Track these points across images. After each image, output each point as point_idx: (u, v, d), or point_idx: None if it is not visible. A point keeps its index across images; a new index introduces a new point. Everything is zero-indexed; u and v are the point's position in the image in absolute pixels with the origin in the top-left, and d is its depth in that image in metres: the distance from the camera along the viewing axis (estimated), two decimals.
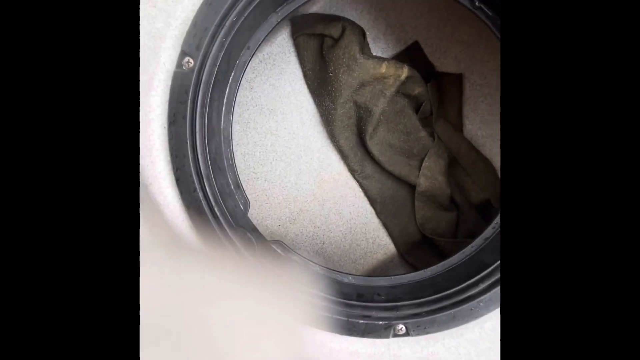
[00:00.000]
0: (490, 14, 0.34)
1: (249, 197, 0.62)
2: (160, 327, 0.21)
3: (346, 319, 0.33)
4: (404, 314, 0.33)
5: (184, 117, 0.32)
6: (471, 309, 0.33)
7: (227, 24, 0.31)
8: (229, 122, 0.36)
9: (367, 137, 0.56)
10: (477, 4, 0.34)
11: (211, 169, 0.34)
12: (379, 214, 0.60)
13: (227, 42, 0.32)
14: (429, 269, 0.37)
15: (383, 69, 0.52)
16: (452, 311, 0.33)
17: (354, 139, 0.58)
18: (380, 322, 0.33)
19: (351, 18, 0.56)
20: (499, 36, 0.35)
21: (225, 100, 0.36)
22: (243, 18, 0.32)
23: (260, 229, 0.63)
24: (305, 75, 0.58)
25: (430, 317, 0.33)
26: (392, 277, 0.37)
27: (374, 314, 0.34)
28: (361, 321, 0.33)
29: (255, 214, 0.61)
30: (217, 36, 0.31)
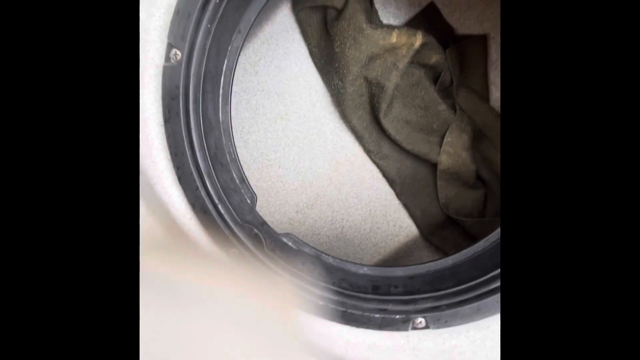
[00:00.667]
0: None
1: (264, 185, 0.62)
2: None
3: (361, 313, 0.32)
4: (423, 307, 0.31)
5: (178, 114, 0.31)
6: (497, 301, 0.30)
7: (210, 7, 0.29)
8: (227, 114, 0.34)
9: (382, 115, 0.52)
10: None
11: (212, 165, 0.33)
12: (399, 195, 0.57)
13: (214, 27, 0.29)
14: (449, 257, 0.34)
15: (393, 38, 0.47)
16: (476, 304, 0.30)
17: (367, 117, 0.54)
18: (398, 316, 0.31)
19: None
20: None
21: (221, 91, 0.34)
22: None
23: (277, 216, 0.63)
24: (311, 53, 0.55)
25: (453, 310, 0.31)
26: (410, 267, 0.35)
27: (390, 307, 0.32)
28: (377, 315, 0.32)
29: (272, 201, 0.61)
30: (202, 22, 0.29)
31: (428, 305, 0.31)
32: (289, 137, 0.59)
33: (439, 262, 0.35)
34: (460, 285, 0.32)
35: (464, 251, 0.34)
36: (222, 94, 0.34)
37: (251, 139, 0.60)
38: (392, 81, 0.50)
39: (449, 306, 0.31)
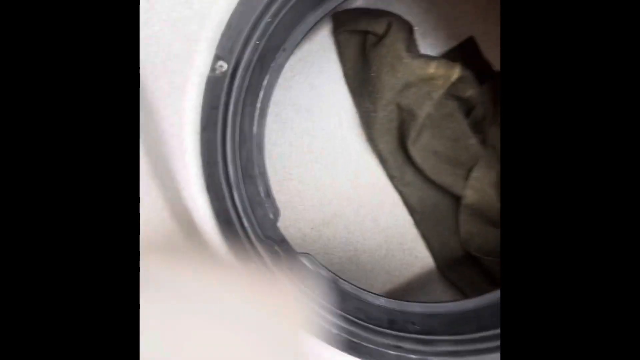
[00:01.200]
0: None
1: (282, 198, 0.62)
2: None
3: (375, 347, 0.31)
4: (441, 349, 0.30)
5: (215, 124, 0.31)
6: None
7: (262, 25, 0.29)
8: (262, 128, 0.35)
9: (410, 142, 0.51)
10: None
11: (241, 177, 0.33)
12: (418, 224, 0.55)
13: (262, 44, 0.30)
14: (471, 299, 0.33)
15: (432, 69, 0.47)
16: (497, 354, 0.29)
17: (394, 143, 0.54)
18: (413, 356, 0.30)
19: (398, 12, 0.51)
20: None
21: (259, 105, 0.34)
22: (278, 19, 0.30)
23: (292, 230, 0.62)
24: (346, 75, 0.55)
25: (472, 357, 0.29)
26: (429, 304, 0.34)
27: (406, 345, 0.31)
28: (392, 352, 0.30)
29: (288, 216, 0.60)
30: (251, 38, 0.29)
31: (446, 348, 0.30)
32: (314, 153, 0.59)
33: (460, 303, 0.33)
34: (482, 331, 0.30)
35: (487, 295, 0.33)
36: (260, 108, 0.34)
37: (275, 152, 0.60)
38: (424, 110, 0.49)
39: (470, 353, 0.29)
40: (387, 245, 0.58)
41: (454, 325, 0.32)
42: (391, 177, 0.56)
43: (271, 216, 0.36)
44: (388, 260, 0.58)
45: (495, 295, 0.33)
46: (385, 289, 0.57)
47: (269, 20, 0.29)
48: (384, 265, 0.58)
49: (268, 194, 0.36)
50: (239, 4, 0.29)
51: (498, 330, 0.30)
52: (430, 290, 0.57)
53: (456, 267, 0.53)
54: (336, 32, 0.54)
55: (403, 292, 0.56)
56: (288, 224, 0.60)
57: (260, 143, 0.34)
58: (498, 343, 0.29)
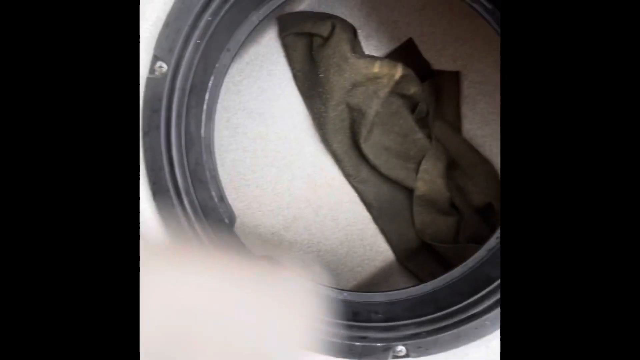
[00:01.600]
0: (489, 7, 0.31)
1: (240, 205, 0.60)
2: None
3: (341, 341, 0.31)
4: (404, 334, 0.31)
5: (158, 127, 0.29)
6: (476, 328, 0.30)
7: (202, 24, 0.29)
8: (210, 131, 0.33)
9: (362, 140, 0.53)
10: None
11: (191, 182, 0.31)
12: (376, 219, 0.57)
13: (203, 44, 0.29)
14: (429, 282, 0.35)
15: (376, 68, 0.49)
16: (455, 330, 0.30)
17: (347, 142, 0.55)
18: (379, 344, 0.30)
19: (341, 15, 0.53)
20: (499, 31, 0.32)
21: (205, 107, 0.33)
22: (219, 18, 0.29)
23: (252, 237, 0.60)
24: (295, 77, 0.56)
25: (433, 337, 0.30)
26: (390, 293, 0.34)
27: (371, 334, 0.31)
28: (358, 343, 0.31)
29: (247, 222, 0.59)
30: (191, 38, 0.28)
31: (409, 332, 0.31)
32: (268, 157, 0.58)
33: (418, 287, 0.35)
34: (439, 311, 0.32)
35: (443, 276, 0.35)
36: (206, 110, 0.33)
37: (229, 158, 0.58)
38: (372, 108, 0.51)
39: (429, 333, 0.30)
40: (348, 243, 0.59)
41: (414, 309, 0.33)
42: (347, 176, 0.57)
43: (226, 221, 0.35)
44: (350, 258, 0.59)
45: (450, 276, 0.35)
46: (350, 286, 0.58)
47: (210, 18, 0.29)
48: (346, 263, 0.59)
49: (222, 198, 0.35)
50: (176, 2, 0.28)
51: (455, 307, 0.31)
52: (393, 282, 0.58)
53: (414, 256, 0.56)
54: (282, 35, 0.54)
55: (367, 287, 0.57)
56: (248, 231, 0.59)
57: (209, 145, 0.33)
58: (455, 319, 0.31)
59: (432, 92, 0.54)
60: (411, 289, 0.35)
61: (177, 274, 0.22)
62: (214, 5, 0.28)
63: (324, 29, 0.50)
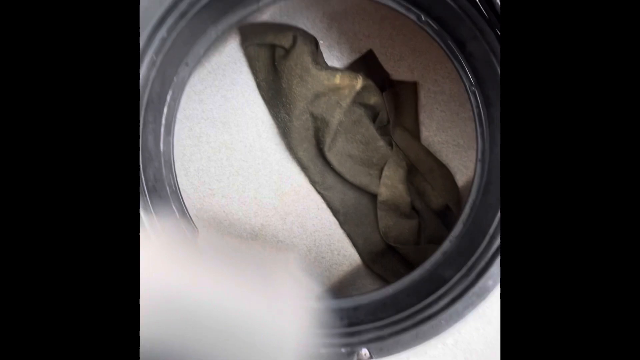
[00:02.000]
0: (436, 27, 0.33)
1: (206, 215, 0.59)
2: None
3: (308, 349, 0.32)
4: (367, 337, 0.32)
5: None
6: (433, 327, 0.32)
7: (157, 40, 0.28)
8: (169, 144, 0.33)
9: (326, 148, 0.54)
10: (423, 18, 0.34)
11: (149, 199, 0.31)
12: (342, 224, 0.59)
13: (159, 60, 0.29)
14: (391, 285, 0.36)
15: (337, 79, 0.51)
16: (414, 331, 0.32)
17: (312, 150, 0.57)
18: (343, 350, 0.32)
19: (303, 27, 0.54)
20: (445, 48, 0.35)
21: (163, 121, 0.32)
22: (176, 33, 0.29)
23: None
24: (259, 86, 0.56)
25: (394, 338, 0.32)
26: (354, 298, 0.36)
27: (336, 340, 0.32)
28: (323, 350, 0.32)
29: (214, 232, 0.58)
30: (146, 54, 0.28)
31: (371, 335, 0.32)
32: (234, 166, 0.58)
33: (380, 291, 0.36)
34: (400, 312, 0.33)
35: (403, 279, 0.37)
36: (165, 124, 0.33)
37: (193, 168, 0.57)
38: (335, 117, 0.53)
39: (391, 335, 0.32)
40: (316, 249, 0.60)
41: (376, 312, 0.34)
42: (313, 183, 0.58)
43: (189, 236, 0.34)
44: (318, 263, 0.60)
45: (410, 278, 0.37)
46: (319, 291, 0.59)
47: (165, 35, 0.28)
48: (315, 268, 0.60)
49: (184, 212, 0.34)
50: None
51: (413, 309, 0.33)
52: (361, 285, 0.60)
53: (379, 259, 0.58)
54: (244, 45, 0.54)
55: (336, 291, 0.59)
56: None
57: (169, 161, 0.33)
58: (415, 320, 0.33)
59: (392, 102, 0.57)
60: (374, 292, 0.36)
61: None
62: (169, 22, 0.28)
63: (285, 41, 0.50)
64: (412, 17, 0.34)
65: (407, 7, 0.35)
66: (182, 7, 0.28)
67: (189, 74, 0.33)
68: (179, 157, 0.57)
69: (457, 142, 0.59)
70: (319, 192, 0.58)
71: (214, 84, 0.56)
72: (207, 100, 0.57)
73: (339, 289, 0.60)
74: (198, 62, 0.33)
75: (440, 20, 0.33)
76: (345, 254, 0.60)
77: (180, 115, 0.57)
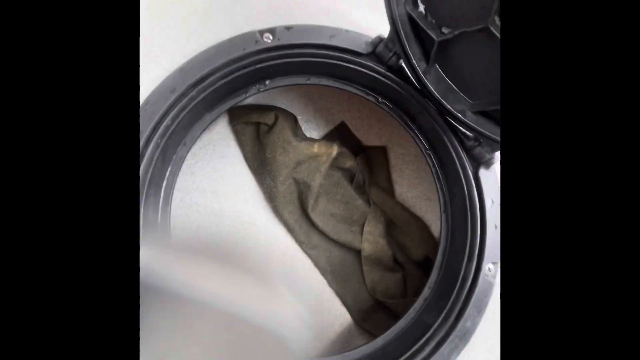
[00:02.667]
0: (391, 106, 0.41)
1: None
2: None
3: None
4: None
5: None
6: None
7: (162, 127, 0.34)
8: (166, 214, 0.36)
9: (310, 209, 0.59)
10: (380, 100, 0.41)
11: None
12: (330, 283, 0.60)
13: (163, 142, 0.34)
14: (379, 337, 0.38)
15: (315, 148, 0.58)
16: None
17: (297, 212, 0.61)
18: None
19: (283, 106, 0.63)
20: (401, 122, 0.42)
21: (162, 194, 0.36)
22: (178, 121, 0.34)
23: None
24: (246, 157, 0.62)
25: None
26: (345, 354, 0.37)
27: None
28: None
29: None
30: (152, 139, 0.33)
31: None
32: (223, 232, 0.60)
33: (370, 344, 0.38)
34: None
35: (390, 330, 0.38)
36: (163, 197, 0.36)
37: (184, 235, 0.59)
38: (316, 181, 0.58)
39: None
40: (306, 310, 0.60)
41: None
42: (300, 243, 0.61)
43: None
44: (309, 325, 0.59)
45: (396, 328, 0.38)
46: (312, 355, 0.57)
47: (169, 123, 0.34)
48: (306, 331, 0.59)
49: None
50: (141, 110, 0.33)
51: (403, 357, 0.34)
52: (353, 346, 0.59)
53: (369, 316, 0.58)
54: (232, 124, 0.61)
55: (329, 353, 0.57)
56: None
57: (166, 228, 0.36)
58: None
59: (366, 164, 0.63)
60: (364, 347, 0.37)
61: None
62: (173, 112, 0.34)
63: (268, 119, 0.58)
64: (371, 99, 0.42)
65: (366, 92, 0.43)
66: (183, 101, 0.34)
67: (187, 152, 0.38)
68: (172, 226, 0.59)
69: (427, 196, 0.65)
70: (306, 252, 0.61)
71: (205, 158, 0.62)
72: (198, 172, 0.62)
73: (331, 351, 0.58)
74: (194, 142, 0.38)
75: (393, 101, 0.41)
76: (336, 314, 0.60)
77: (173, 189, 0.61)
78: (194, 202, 0.61)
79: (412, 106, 0.39)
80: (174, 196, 0.61)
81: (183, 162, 0.38)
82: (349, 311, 0.59)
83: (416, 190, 0.65)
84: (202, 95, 0.34)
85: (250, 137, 0.60)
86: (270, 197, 0.60)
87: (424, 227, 0.62)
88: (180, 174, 0.63)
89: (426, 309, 0.37)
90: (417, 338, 0.35)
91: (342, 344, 0.59)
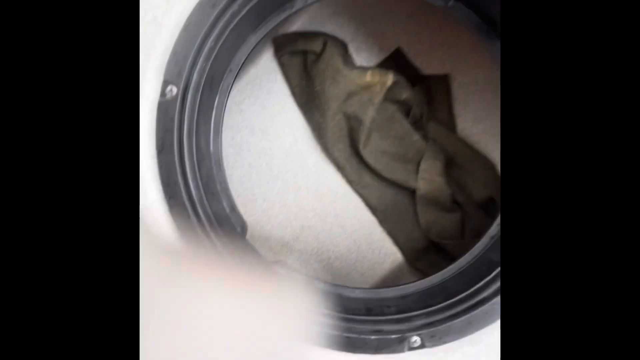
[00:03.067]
0: (465, 9, 0.34)
1: (249, 219, 0.62)
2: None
3: (357, 335, 0.32)
4: (417, 324, 0.32)
5: (172, 145, 0.32)
6: (486, 313, 0.31)
7: (206, 49, 0.31)
8: (218, 146, 0.36)
9: (361, 147, 0.55)
10: (450, 2, 0.34)
11: (204, 195, 0.34)
12: (382, 222, 0.59)
13: (208, 66, 0.32)
14: (437, 274, 0.36)
15: (368, 77, 0.52)
16: (466, 317, 0.31)
17: (348, 150, 0.58)
18: (393, 336, 0.31)
19: (331, 32, 0.57)
20: (476, 31, 0.35)
21: (212, 124, 0.35)
22: (221, 42, 0.32)
23: (263, 249, 0.62)
24: (293, 93, 0.59)
25: (445, 325, 0.31)
26: (401, 287, 0.36)
27: (385, 327, 0.32)
28: (373, 337, 0.32)
29: (257, 236, 0.61)
30: (197, 62, 0.31)
31: (421, 322, 0.32)
32: (273, 171, 0.61)
33: (427, 279, 0.36)
34: (449, 299, 0.33)
35: (449, 267, 0.36)
36: (214, 127, 0.36)
37: (235, 175, 0.61)
38: (368, 115, 0.54)
39: (441, 321, 0.31)
40: (357, 248, 0.60)
41: (424, 300, 0.34)
42: (350, 182, 0.59)
43: (239, 230, 0.36)
44: (360, 263, 0.60)
45: (456, 266, 0.36)
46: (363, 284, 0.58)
47: (212, 44, 0.32)
48: (357, 268, 0.60)
49: (233, 208, 0.37)
50: (181, 32, 0.31)
51: (463, 294, 0.32)
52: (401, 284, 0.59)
53: (422, 256, 0.57)
54: (278, 55, 0.57)
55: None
56: (258, 244, 0.60)
57: (218, 160, 0.35)
58: (465, 306, 0.32)
59: (424, 96, 0.57)
60: (420, 281, 0.36)
61: (192, 282, 0.23)
62: (216, 32, 0.31)
63: (316, 46, 0.53)
64: (440, 3, 0.35)
65: None
66: (225, 17, 0.31)
67: (233, 80, 0.36)
68: (225, 164, 0.61)
69: (494, 132, 0.57)
70: (357, 191, 0.59)
71: (252, 94, 0.60)
72: (246, 110, 0.61)
73: (380, 288, 0.59)
74: (239, 67, 0.36)
75: (469, 2, 0.34)
76: (387, 253, 0.59)
77: (223, 125, 0.61)
78: (245, 141, 0.61)
79: (494, 6, 0.31)
80: (225, 135, 0.62)
81: (230, 91, 0.36)
82: (401, 251, 0.58)
83: (482, 125, 0.58)
84: (246, 9, 0.31)
85: (297, 70, 0.57)
86: (320, 134, 0.58)
87: (489, 165, 0.56)
88: (230, 113, 0.63)
89: (493, 246, 0.34)
90: (481, 276, 0.32)
91: (392, 280, 0.59)
